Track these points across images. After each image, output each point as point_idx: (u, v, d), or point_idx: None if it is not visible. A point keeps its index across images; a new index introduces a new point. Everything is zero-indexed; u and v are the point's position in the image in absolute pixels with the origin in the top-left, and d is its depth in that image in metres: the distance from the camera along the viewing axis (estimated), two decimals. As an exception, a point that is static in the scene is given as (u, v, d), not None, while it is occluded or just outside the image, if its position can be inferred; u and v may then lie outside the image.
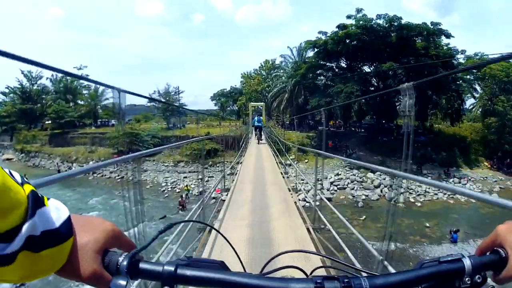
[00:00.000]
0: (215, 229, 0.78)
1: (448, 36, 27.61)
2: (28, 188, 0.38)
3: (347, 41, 27.55)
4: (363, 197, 20.58)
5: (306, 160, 25.13)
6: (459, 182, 25.40)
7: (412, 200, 20.73)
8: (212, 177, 23.32)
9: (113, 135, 30.94)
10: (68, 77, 48.90)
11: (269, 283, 0.42)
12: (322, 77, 31.66)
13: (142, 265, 0.44)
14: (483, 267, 0.45)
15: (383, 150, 28.84)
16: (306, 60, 31.18)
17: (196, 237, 4.41)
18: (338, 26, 26.90)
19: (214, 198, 9.09)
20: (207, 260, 0.48)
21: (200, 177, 23.28)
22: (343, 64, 31.90)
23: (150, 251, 2.56)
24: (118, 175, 26.71)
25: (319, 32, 28.44)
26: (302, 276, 0.51)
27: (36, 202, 0.38)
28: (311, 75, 30.84)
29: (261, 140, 18.77)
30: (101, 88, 46.91)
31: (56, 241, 0.39)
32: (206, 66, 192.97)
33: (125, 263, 0.42)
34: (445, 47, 28.38)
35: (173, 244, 3.29)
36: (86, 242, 0.42)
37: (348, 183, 22.11)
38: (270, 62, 47.75)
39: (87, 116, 44.87)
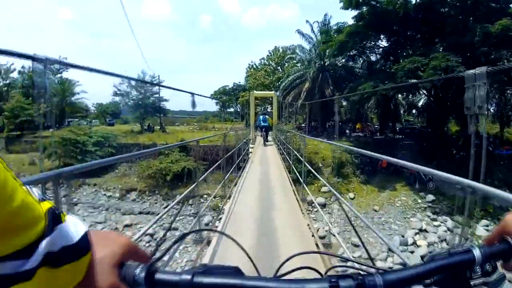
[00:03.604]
0: (228, 236, 0.63)
1: None
2: (47, 205, 0.37)
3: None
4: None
5: (351, 194, 13.06)
6: None
7: None
8: (177, 229, 11.39)
9: (49, 142, 19.26)
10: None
11: (285, 285, 0.39)
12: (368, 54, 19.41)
13: (159, 276, 0.42)
14: (492, 256, 0.43)
15: (460, 170, 16.81)
16: (341, 29, 18.93)
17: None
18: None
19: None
20: (223, 267, 0.44)
21: (149, 232, 11.41)
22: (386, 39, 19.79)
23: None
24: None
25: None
26: (317, 276, 0.46)
27: (54, 218, 0.37)
28: (344, 57, 18.63)
29: (267, 142, 14.78)
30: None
31: (74, 256, 0.38)
32: (214, 70, 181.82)
33: (142, 274, 0.40)
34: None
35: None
36: (103, 256, 0.40)
37: (449, 251, 10.01)
38: (281, 50, 35.64)
39: (52, 115, 33.47)
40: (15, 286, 0.32)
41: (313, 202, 11.38)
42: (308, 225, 4.17)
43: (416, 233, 11.24)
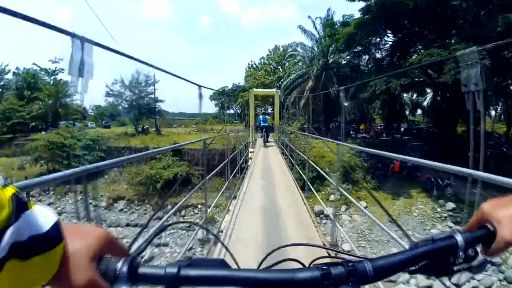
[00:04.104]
0: (210, 231, 0.65)
1: None
2: (10, 190, 0.33)
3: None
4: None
5: (363, 203, 11.64)
6: None
7: None
8: (167, 245, 9.98)
9: (35, 145, 17.92)
10: (34, 69, 37.46)
11: (275, 275, 0.38)
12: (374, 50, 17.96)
13: (142, 270, 0.38)
14: (474, 242, 0.44)
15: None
16: (347, 20, 17.56)
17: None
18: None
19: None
20: (208, 259, 0.42)
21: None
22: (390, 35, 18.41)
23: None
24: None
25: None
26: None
27: (19, 205, 0.32)
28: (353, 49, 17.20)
29: (267, 142, 13.59)
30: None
31: (45, 247, 0.33)
32: (214, 70, 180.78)
33: (124, 269, 0.37)
34: None
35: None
36: (79, 248, 0.35)
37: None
38: (281, 49, 34.27)
39: (46, 117, 32.33)
40: None
41: (322, 213, 10.05)
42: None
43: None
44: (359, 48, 19.65)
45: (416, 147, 21.33)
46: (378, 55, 21.07)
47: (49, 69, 38.05)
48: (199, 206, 11.38)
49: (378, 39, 19.48)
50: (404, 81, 12.50)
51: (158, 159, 13.30)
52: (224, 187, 5.07)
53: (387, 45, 19.63)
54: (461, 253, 0.42)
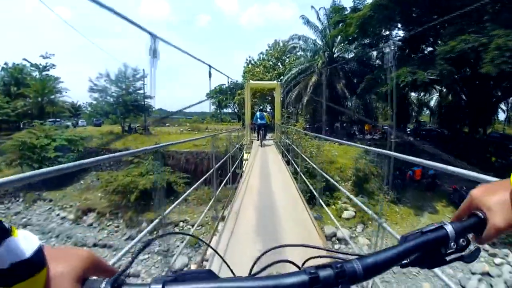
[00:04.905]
0: (199, 239, 0.63)
1: None
2: None
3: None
4: None
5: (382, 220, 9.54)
6: None
7: None
8: (137, 277, 7.83)
9: (7, 146, 15.66)
10: (23, 64, 35.13)
11: (261, 283, 0.37)
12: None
13: None
14: (465, 231, 0.43)
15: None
16: (358, 7, 15.38)
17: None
18: None
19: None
20: (194, 271, 0.41)
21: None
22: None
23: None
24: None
25: None
26: (295, 269, 0.44)
27: (1, 232, 0.33)
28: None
29: (264, 141, 11.89)
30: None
31: (28, 273, 0.33)
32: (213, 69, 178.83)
33: None
34: None
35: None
36: (62, 272, 0.35)
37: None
38: (281, 44, 32.08)
39: (32, 114, 30.13)
40: None
41: (334, 235, 7.94)
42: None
43: (478, 280, 7.86)
44: (366, 41, 17.62)
45: (429, 150, 19.27)
46: (386, 50, 19.01)
47: (40, 64, 35.80)
48: (181, 224, 9.22)
49: (387, 31, 17.43)
50: (432, 72, 10.36)
51: (137, 164, 11.16)
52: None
53: (398, 38, 17.56)
54: (452, 244, 0.41)
